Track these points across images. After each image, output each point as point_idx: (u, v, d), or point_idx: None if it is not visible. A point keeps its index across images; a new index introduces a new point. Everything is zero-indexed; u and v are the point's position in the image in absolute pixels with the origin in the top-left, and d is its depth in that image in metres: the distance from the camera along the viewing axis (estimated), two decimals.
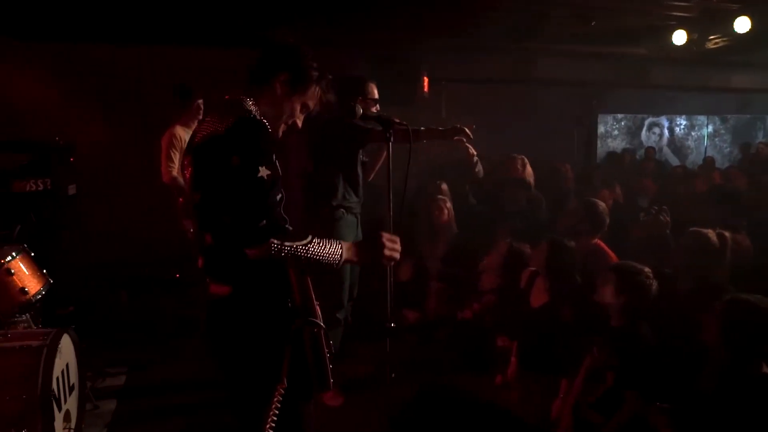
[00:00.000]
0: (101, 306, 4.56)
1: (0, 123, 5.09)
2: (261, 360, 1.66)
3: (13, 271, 3.00)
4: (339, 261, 1.65)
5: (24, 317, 3.29)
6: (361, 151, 3.41)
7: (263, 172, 1.59)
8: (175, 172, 4.19)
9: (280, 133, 1.83)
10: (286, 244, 1.58)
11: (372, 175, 3.52)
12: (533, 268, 3.57)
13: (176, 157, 4.20)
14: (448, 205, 4.30)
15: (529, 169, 5.11)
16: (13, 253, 3.05)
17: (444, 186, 4.83)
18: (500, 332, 3.63)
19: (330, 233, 3.30)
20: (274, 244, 1.56)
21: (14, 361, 2.76)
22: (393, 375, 2.08)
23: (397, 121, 2.09)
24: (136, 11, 4.95)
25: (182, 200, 4.18)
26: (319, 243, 1.64)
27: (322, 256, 1.63)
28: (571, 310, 3.23)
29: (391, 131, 2.08)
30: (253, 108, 1.74)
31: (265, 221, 1.57)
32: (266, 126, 1.68)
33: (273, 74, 1.78)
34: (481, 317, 3.78)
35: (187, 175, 1.78)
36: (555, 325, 3.24)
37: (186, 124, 4.32)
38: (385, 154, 2.80)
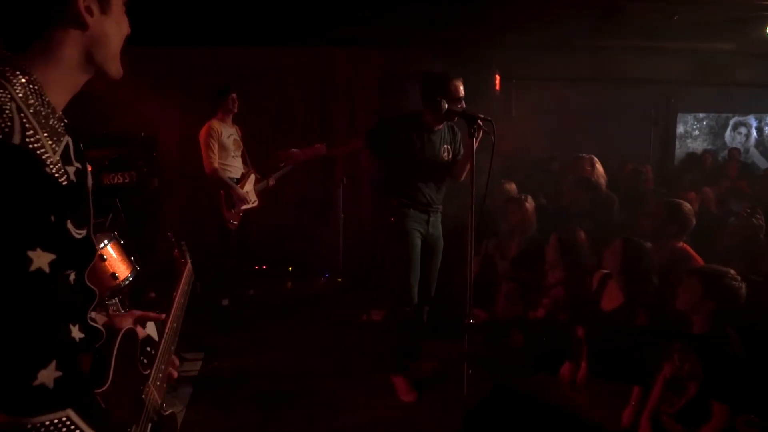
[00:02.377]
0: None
1: (92, 119, 5.44)
2: None
3: (105, 257, 3.20)
4: None
5: (113, 301, 3.50)
6: (431, 146, 3.46)
7: (37, 263, 0.83)
8: (215, 164, 4.42)
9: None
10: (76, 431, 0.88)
11: (463, 175, 3.55)
12: (606, 271, 3.47)
13: (215, 149, 4.45)
14: (529, 201, 4.22)
15: (599, 169, 4.95)
16: (106, 241, 3.25)
17: (513, 186, 4.77)
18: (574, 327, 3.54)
19: (396, 227, 3.39)
20: (57, 421, 0.86)
21: None
22: (470, 372, 2.07)
23: (482, 116, 2.09)
24: (212, 16, 5.20)
25: (223, 192, 4.44)
26: None
27: None
28: (646, 314, 3.12)
29: (475, 127, 2.07)
30: (23, 90, 0.90)
31: (53, 369, 0.84)
32: (33, 156, 0.87)
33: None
34: (553, 314, 3.70)
35: None
36: (628, 329, 3.13)
37: (222, 119, 4.59)
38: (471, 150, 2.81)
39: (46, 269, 0.84)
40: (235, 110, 4.65)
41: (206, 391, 3.64)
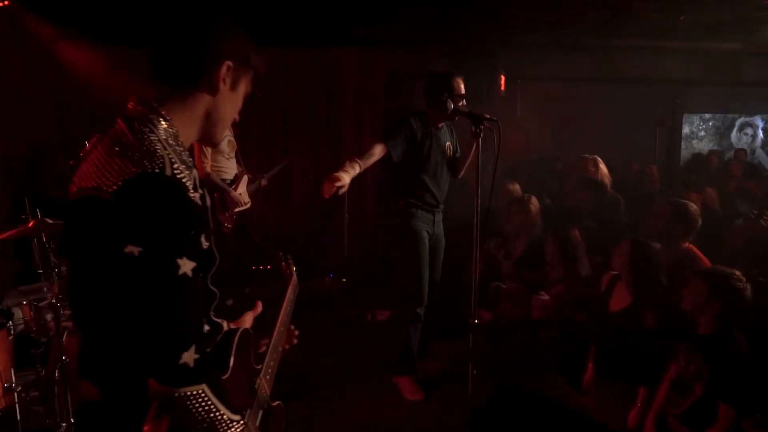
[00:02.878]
0: None
1: (98, 120, 5.45)
2: None
3: None
4: None
5: None
6: (437, 146, 3.46)
7: (184, 268, 1.07)
8: (208, 168, 4.40)
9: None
10: (209, 402, 1.08)
11: (462, 172, 3.57)
12: (614, 272, 3.46)
13: (209, 153, 4.41)
14: (533, 202, 4.21)
15: (603, 169, 4.93)
16: None
17: (517, 186, 4.76)
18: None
19: (404, 228, 3.40)
20: (195, 393, 1.06)
21: None
22: (474, 372, 2.07)
23: (488, 116, 2.09)
24: (246, 19, 5.20)
25: (217, 195, 4.42)
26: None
27: None
28: (654, 315, 3.11)
29: (481, 127, 2.07)
30: (165, 133, 1.15)
31: (193, 352, 1.06)
32: (180, 185, 1.11)
33: (217, 62, 1.21)
34: (558, 314, 3.70)
35: None
36: (636, 330, 3.12)
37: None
38: (474, 149, 2.81)
39: (189, 274, 1.08)
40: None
41: None
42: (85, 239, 1.08)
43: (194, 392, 1.06)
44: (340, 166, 6.36)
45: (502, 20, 5.65)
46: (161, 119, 1.16)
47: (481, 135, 2.07)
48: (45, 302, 3.08)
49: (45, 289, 3.23)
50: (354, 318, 4.84)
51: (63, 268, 2.97)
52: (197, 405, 1.06)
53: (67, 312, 3.10)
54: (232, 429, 1.11)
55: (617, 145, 6.47)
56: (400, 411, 3.41)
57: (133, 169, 1.05)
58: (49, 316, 3.07)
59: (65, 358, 2.68)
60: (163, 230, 1.04)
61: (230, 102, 1.26)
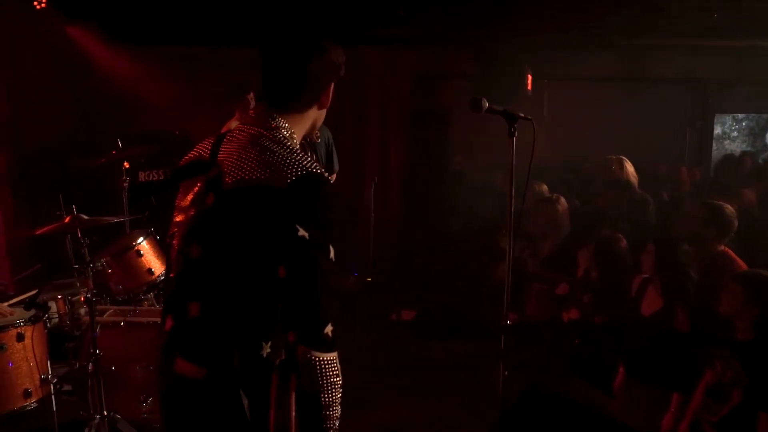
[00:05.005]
0: None
1: (130, 117, 5.56)
2: None
3: (142, 252, 3.27)
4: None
5: (149, 296, 3.57)
6: None
7: (333, 254, 1.30)
8: None
9: None
10: (336, 368, 1.30)
11: None
12: (645, 275, 3.41)
13: None
14: (561, 202, 4.17)
15: (629, 169, 4.85)
16: (142, 237, 3.32)
17: (544, 187, 4.72)
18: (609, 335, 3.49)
19: None
20: (330, 359, 1.28)
21: (144, 335, 3.00)
22: (506, 373, 2.05)
23: (522, 115, 2.07)
24: (245, 18, 5.26)
25: None
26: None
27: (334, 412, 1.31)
28: (686, 316, 3.05)
29: (515, 126, 2.05)
30: (296, 142, 1.41)
31: (330, 325, 1.28)
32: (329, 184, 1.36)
33: (325, 84, 1.45)
34: (587, 317, 3.65)
35: (182, 201, 1.43)
36: (668, 334, 3.07)
37: (239, 119, 4.50)
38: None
39: (333, 258, 1.29)
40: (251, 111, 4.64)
41: None
42: (251, 220, 1.27)
43: (329, 358, 1.28)
44: (363, 166, 6.39)
45: (530, 19, 5.61)
46: (286, 128, 1.40)
47: (516, 134, 2.05)
48: (77, 297, 3.14)
49: (78, 284, 3.30)
50: (378, 317, 4.84)
51: (98, 264, 3.03)
52: (329, 369, 1.27)
53: (101, 307, 3.17)
54: (340, 394, 1.31)
55: (646, 147, 6.36)
56: (428, 410, 3.40)
57: (301, 168, 1.27)
58: (82, 311, 3.12)
59: (99, 352, 2.72)
60: (324, 217, 1.26)
61: (323, 111, 1.50)
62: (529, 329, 3.96)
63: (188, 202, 1.40)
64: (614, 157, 4.92)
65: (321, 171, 1.29)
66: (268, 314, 1.30)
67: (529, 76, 5.90)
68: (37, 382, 2.71)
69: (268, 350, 1.33)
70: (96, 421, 2.71)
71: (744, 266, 3.16)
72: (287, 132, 1.39)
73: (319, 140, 3.88)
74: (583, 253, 3.37)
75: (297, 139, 1.42)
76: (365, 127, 6.28)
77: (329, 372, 1.27)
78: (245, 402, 1.32)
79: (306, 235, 1.23)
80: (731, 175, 6.36)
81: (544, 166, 5.85)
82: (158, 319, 3.07)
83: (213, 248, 1.32)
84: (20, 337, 2.68)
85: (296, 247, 1.23)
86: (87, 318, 3.05)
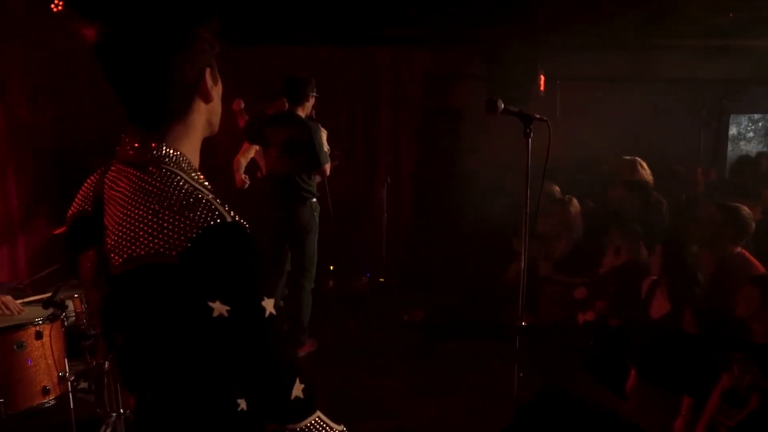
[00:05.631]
0: None
1: None
2: None
3: None
4: None
5: None
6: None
7: (272, 307, 1.01)
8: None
9: None
10: (325, 426, 1.10)
11: None
12: (654, 277, 3.40)
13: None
14: (574, 204, 4.16)
15: (643, 171, 4.81)
16: None
17: (556, 188, 4.70)
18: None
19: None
20: (313, 422, 1.08)
21: None
22: (521, 374, 2.05)
23: (537, 116, 2.07)
24: (282, 18, 5.29)
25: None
26: None
27: None
28: (693, 319, 3.03)
29: (531, 127, 2.06)
30: (183, 169, 1.07)
31: (298, 383, 1.05)
32: (242, 227, 1.00)
33: (197, 80, 1.09)
34: (602, 318, 3.63)
35: (85, 277, 1.12)
36: (677, 337, 3.04)
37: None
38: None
39: (274, 312, 1.00)
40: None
41: None
42: (153, 308, 0.99)
43: (312, 422, 1.07)
44: (375, 167, 6.39)
45: (542, 20, 5.58)
46: (171, 155, 1.05)
47: (531, 135, 2.06)
48: None
49: None
50: (391, 318, 4.85)
51: None
52: None
53: None
54: None
55: (660, 148, 6.31)
56: (440, 411, 3.40)
57: (195, 226, 0.94)
58: None
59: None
60: (243, 280, 0.96)
61: (217, 93, 1.13)
62: (542, 330, 3.94)
63: (90, 283, 1.11)
64: (629, 158, 4.89)
65: (224, 218, 0.96)
66: (226, 377, 1.05)
67: (542, 76, 5.88)
68: (55, 380, 2.75)
69: (244, 406, 1.09)
70: (113, 419, 2.73)
71: (761, 268, 3.14)
72: (173, 161, 1.05)
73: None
74: (653, 254, 3.30)
75: (191, 159, 1.09)
76: (377, 128, 6.29)
77: None
78: None
79: (224, 311, 0.94)
80: (747, 176, 6.29)
81: (556, 167, 5.83)
82: None
83: (133, 337, 1.06)
84: (39, 335, 2.71)
85: (218, 329, 0.95)
86: None
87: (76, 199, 1.18)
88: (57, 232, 2.81)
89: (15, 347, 2.64)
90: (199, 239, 0.93)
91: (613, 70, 6.70)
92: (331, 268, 5.95)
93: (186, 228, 0.94)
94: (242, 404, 1.08)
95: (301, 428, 1.06)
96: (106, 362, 2.80)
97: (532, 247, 4.41)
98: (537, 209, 2.07)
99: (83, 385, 3.27)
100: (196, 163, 1.11)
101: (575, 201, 4.21)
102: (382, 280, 5.81)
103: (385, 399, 3.52)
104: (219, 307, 0.94)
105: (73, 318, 3.15)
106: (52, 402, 2.75)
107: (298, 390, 1.04)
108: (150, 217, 0.97)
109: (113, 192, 1.07)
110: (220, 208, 0.98)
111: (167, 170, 1.03)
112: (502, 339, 2.81)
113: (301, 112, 4.13)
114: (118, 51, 1.01)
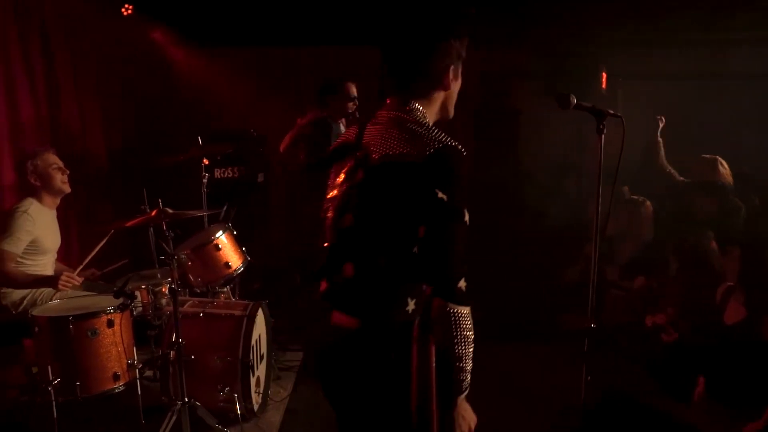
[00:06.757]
0: (280, 286, 4.96)
1: (206, 117, 5.78)
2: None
3: (220, 246, 3.37)
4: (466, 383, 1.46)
5: (225, 289, 3.68)
6: None
7: (467, 217, 1.41)
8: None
9: None
10: (469, 321, 1.42)
11: None
12: (730, 283, 3.25)
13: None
14: (646, 206, 4.00)
15: (723, 171, 4.56)
16: (221, 231, 3.42)
17: (626, 188, 4.54)
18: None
19: None
20: (465, 312, 1.41)
21: (222, 326, 3.10)
22: (589, 378, 1.98)
23: (611, 112, 2.01)
24: (313, 17, 5.34)
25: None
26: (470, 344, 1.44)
27: (467, 358, 1.43)
28: None
29: (604, 123, 1.99)
30: (429, 121, 1.57)
31: (464, 280, 1.40)
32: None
33: (444, 69, 1.56)
34: (674, 323, 3.49)
35: (334, 180, 1.60)
36: (752, 344, 2.90)
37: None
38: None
39: (468, 221, 1.40)
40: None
41: (308, 379, 3.77)
42: (393, 190, 1.43)
43: (464, 312, 1.40)
44: None
45: (603, 15, 5.42)
46: (419, 109, 1.54)
47: (605, 131, 1.99)
48: (159, 287, 3.27)
49: (159, 275, 3.45)
50: None
51: (181, 256, 3.15)
52: (463, 322, 1.39)
53: (181, 298, 3.29)
54: (472, 348, 1.43)
55: (729, 148, 6.00)
56: (490, 413, 3.32)
57: (436, 143, 1.41)
58: (164, 301, 3.26)
59: (182, 341, 2.83)
60: (458, 185, 1.39)
61: (455, 86, 1.60)
62: (608, 334, 3.83)
63: (340, 180, 1.55)
64: (709, 157, 4.62)
65: (455, 144, 1.42)
66: (413, 273, 1.44)
67: (604, 74, 5.70)
68: (125, 367, 2.86)
69: (413, 306, 1.47)
70: (178, 407, 2.81)
71: None
72: (421, 113, 1.54)
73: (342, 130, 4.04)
74: (729, 258, 3.15)
75: (430, 119, 1.56)
76: None
77: (463, 325, 1.40)
78: (392, 351, 1.47)
79: (444, 197, 1.37)
80: None
81: (622, 167, 5.63)
82: (234, 312, 3.18)
83: (364, 216, 1.48)
84: (110, 324, 2.83)
85: (435, 208, 1.37)
86: (168, 308, 3.19)
87: (339, 139, 1.65)
88: (129, 224, 2.91)
89: (89, 334, 2.76)
90: (439, 149, 1.40)
91: (678, 67, 6.41)
92: None
93: (432, 141, 1.42)
94: (411, 304, 1.47)
95: (453, 311, 1.38)
96: (172, 352, 2.89)
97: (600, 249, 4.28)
98: (609, 210, 1.98)
99: (148, 373, 3.39)
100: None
101: (648, 203, 4.02)
102: None
103: None
104: (441, 195, 1.37)
105: (140, 308, 3.27)
106: (121, 388, 2.85)
107: (463, 284, 1.39)
108: (405, 135, 1.46)
109: (373, 127, 1.55)
110: (449, 138, 1.44)
111: (417, 116, 1.52)
112: (562, 342, 2.74)
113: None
114: (403, 44, 1.55)
